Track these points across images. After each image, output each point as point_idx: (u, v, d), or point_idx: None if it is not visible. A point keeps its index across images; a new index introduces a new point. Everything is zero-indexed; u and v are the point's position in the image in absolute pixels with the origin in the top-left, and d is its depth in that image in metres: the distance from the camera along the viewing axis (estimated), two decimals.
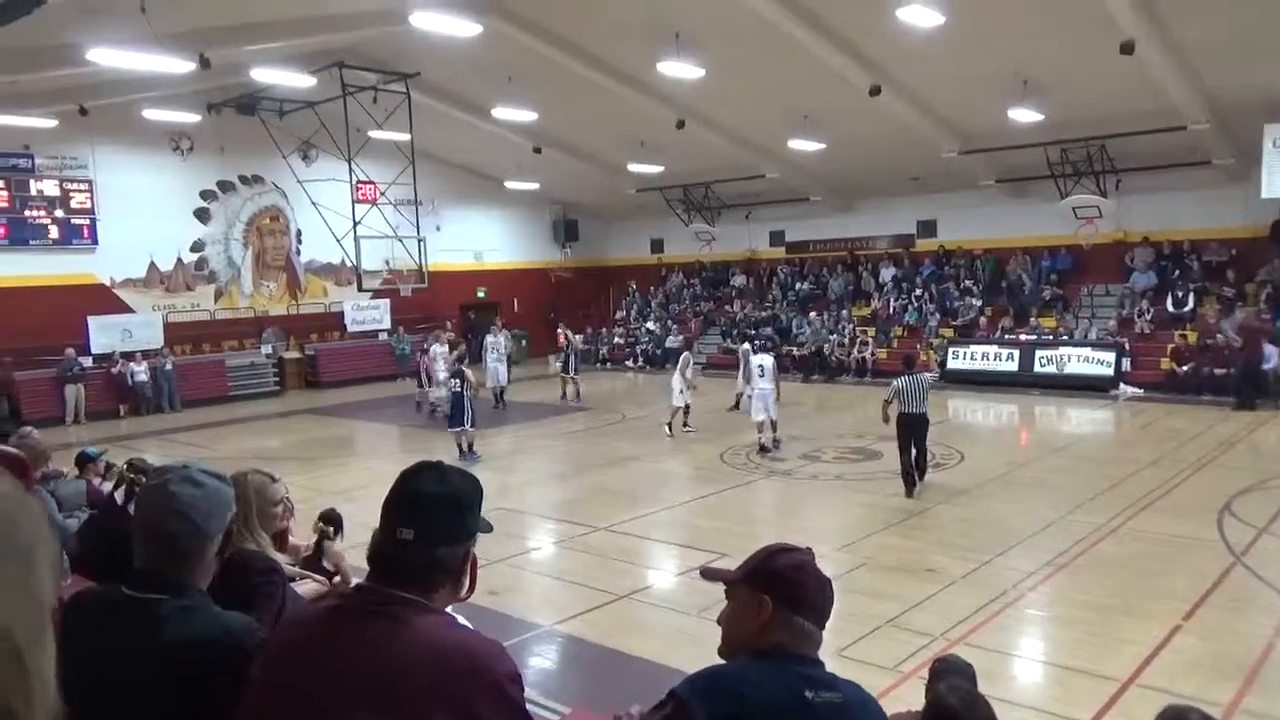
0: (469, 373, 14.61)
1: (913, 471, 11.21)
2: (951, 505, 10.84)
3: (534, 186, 29.02)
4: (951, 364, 21.30)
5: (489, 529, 1.92)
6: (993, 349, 21.03)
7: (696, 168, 25.34)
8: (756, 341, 22.92)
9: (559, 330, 22.50)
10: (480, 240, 29.84)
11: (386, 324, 26.58)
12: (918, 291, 24.31)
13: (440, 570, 1.80)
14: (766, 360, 14.96)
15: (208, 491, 1.92)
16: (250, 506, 3.06)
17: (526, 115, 21.23)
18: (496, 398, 19.29)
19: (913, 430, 11.28)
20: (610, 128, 23.06)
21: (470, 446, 14.42)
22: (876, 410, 11.91)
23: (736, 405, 16.26)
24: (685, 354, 16.64)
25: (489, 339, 20.17)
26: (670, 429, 15.41)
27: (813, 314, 25.14)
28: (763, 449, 14.02)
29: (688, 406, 15.94)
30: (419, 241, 22.92)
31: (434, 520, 1.80)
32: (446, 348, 18.35)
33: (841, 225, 27.19)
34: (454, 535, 1.81)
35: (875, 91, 17.52)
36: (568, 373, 20.85)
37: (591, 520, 10.61)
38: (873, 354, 22.86)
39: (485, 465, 13.85)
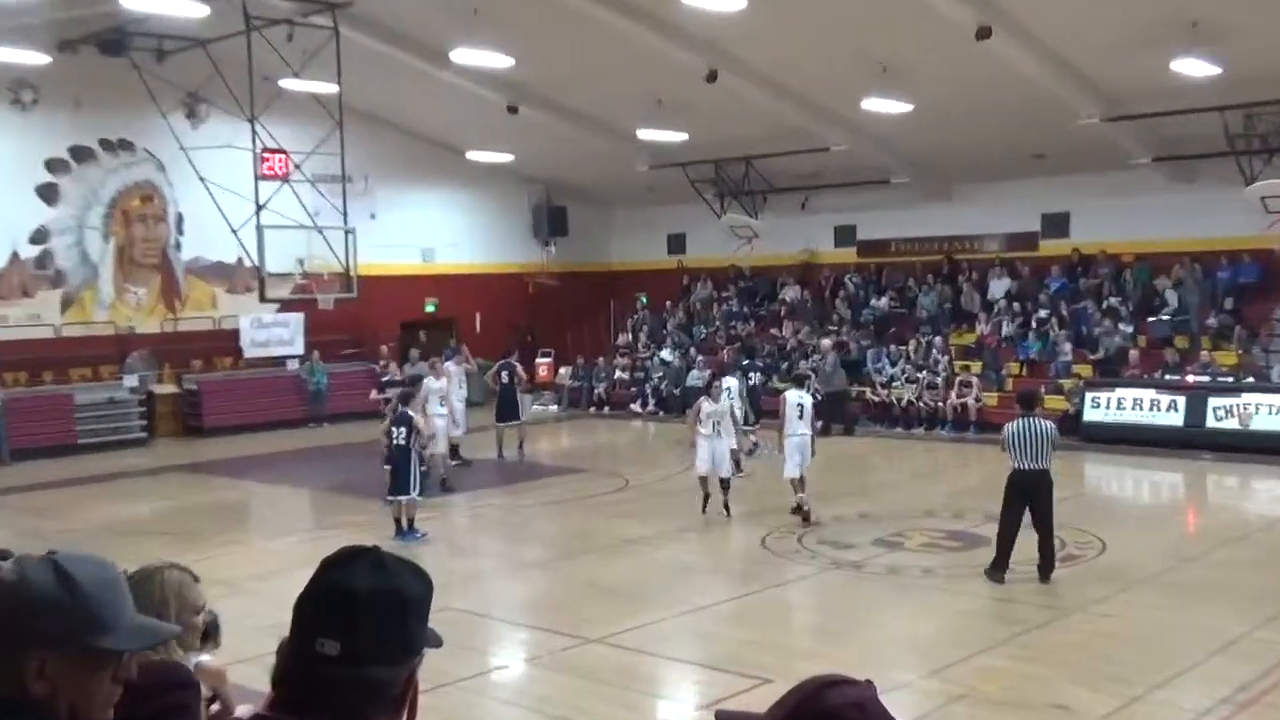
0: (419, 420, 14.70)
1: (1009, 551, 11.39)
2: (1088, 614, 10.74)
3: (507, 159, 29.22)
4: (1090, 414, 21.24)
5: (437, 643, 1.90)
6: (1148, 394, 20.99)
7: (733, 136, 25.50)
8: (754, 374, 23.05)
9: (541, 360, 22.58)
10: (430, 234, 30.03)
11: (299, 348, 26.69)
12: (1042, 313, 24.33)
13: (373, 698, 1.80)
14: (806, 399, 15.65)
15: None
16: (166, 612, 3.19)
17: (499, 60, 21.38)
18: (453, 453, 19.29)
19: (1030, 494, 11.35)
20: (615, 80, 23.24)
21: (411, 523, 14.47)
22: (980, 478, 11.88)
23: (738, 466, 16.66)
24: (805, 396, 16.03)
25: (449, 368, 20.07)
26: (728, 508, 15.34)
27: (893, 344, 25.16)
28: (804, 515, 14.75)
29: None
30: (346, 234, 23.07)
31: (368, 629, 1.80)
32: (443, 380, 18.58)
33: (935, 219, 27.27)
34: (394, 651, 1.81)
35: (984, 34, 17.61)
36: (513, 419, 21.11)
37: (579, 628, 10.56)
38: (978, 399, 22.84)
39: (430, 548, 13.81)
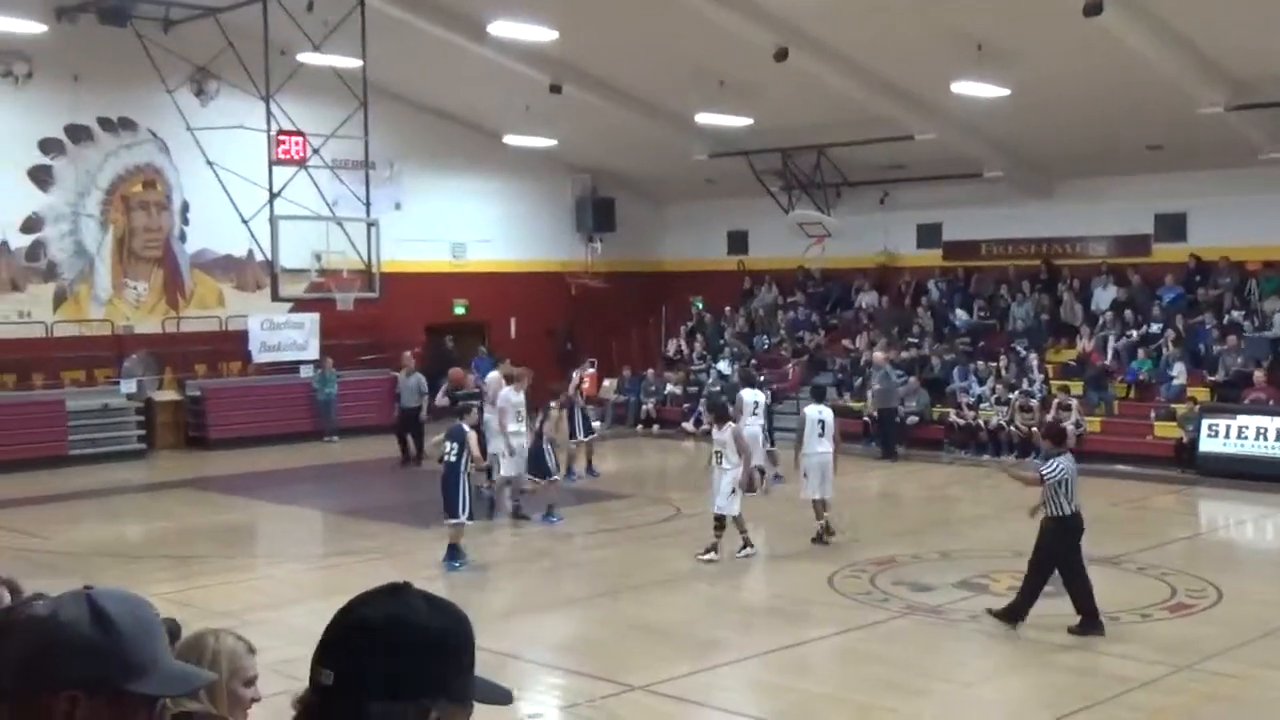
0: (473, 438, 14.88)
1: (1032, 602, 11.53)
2: (1199, 674, 10.64)
3: (549, 145, 29.40)
4: (1206, 444, 21.07)
5: (505, 699, 1.96)
6: (1273, 423, 20.76)
7: (804, 122, 25.54)
8: (766, 386, 23.22)
9: (582, 371, 22.62)
10: (462, 227, 30.28)
11: (313, 352, 26.98)
12: (1155, 327, 24.12)
13: None
14: (828, 414, 16.14)
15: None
16: (218, 680, 3.36)
17: (542, 34, 21.55)
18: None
19: (1076, 541, 11.61)
20: (671, 58, 23.35)
21: (452, 550, 14.68)
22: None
23: (752, 487, 16.90)
24: (826, 411, 16.53)
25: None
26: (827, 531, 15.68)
27: (981, 361, 25.06)
28: (820, 537, 15.38)
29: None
30: (369, 227, 23.29)
31: (363, 659, 1.87)
32: (512, 388, 18.14)
33: (1033, 218, 27.13)
34: (402, 686, 1.86)
35: (1094, 9, 17.53)
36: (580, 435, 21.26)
37: (621, 674, 10.61)
38: (1079, 424, 22.66)
39: (458, 580, 13.94)
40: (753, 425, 18.65)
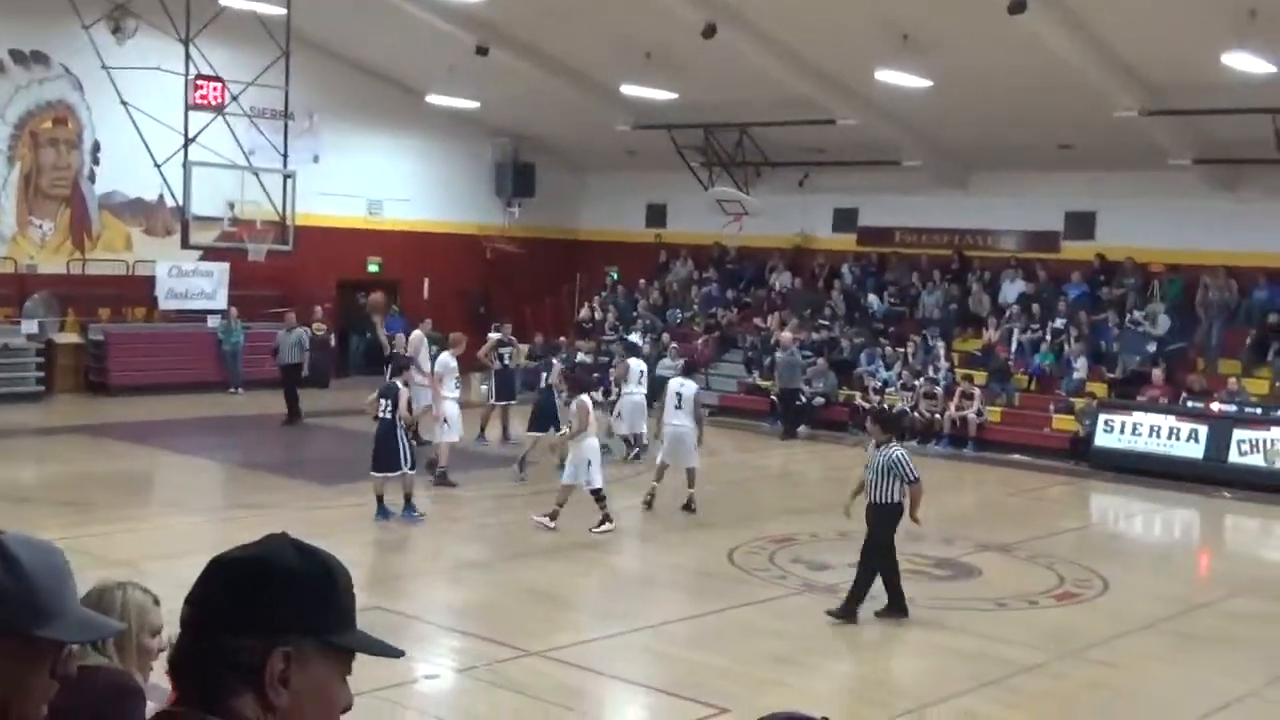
0: (404, 395, 14.99)
1: (897, 594, 11.64)
2: (1082, 661, 10.95)
3: (472, 106, 29.18)
4: (1102, 439, 21.57)
5: (393, 654, 1.99)
6: (1167, 421, 21.28)
7: (729, 100, 25.61)
8: (645, 349, 23.59)
9: (496, 332, 22.47)
10: (379, 185, 30.02)
11: (221, 302, 26.63)
12: (1058, 322, 24.61)
13: (225, 668, 1.88)
14: (687, 388, 16.60)
15: None
16: (128, 633, 3.48)
17: None
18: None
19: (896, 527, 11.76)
20: (600, 27, 23.30)
21: (409, 500, 14.98)
22: (975, 501, 12.10)
23: (632, 451, 17.63)
24: (687, 385, 16.91)
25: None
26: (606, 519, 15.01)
27: (889, 346, 25.41)
28: (689, 504, 15.94)
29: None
30: (285, 179, 22.98)
31: (222, 595, 1.91)
32: (449, 353, 18.07)
33: (948, 209, 27.52)
34: (254, 622, 1.89)
35: (1018, 7, 17.78)
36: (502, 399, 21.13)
37: (517, 638, 10.67)
38: (980, 413, 23.10)
39: (361, 545, 13.91)
40: (636, 394, 19.77)
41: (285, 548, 1.96)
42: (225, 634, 1.89)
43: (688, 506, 16.11)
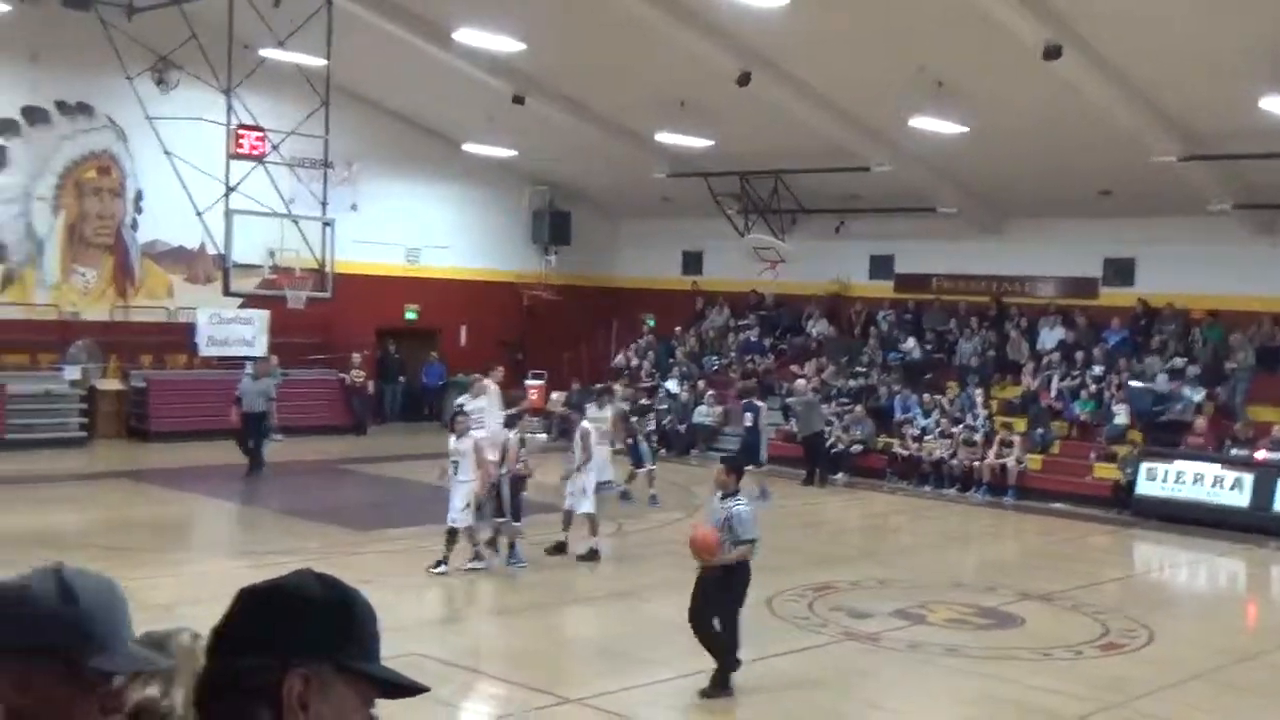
0: (513, 439, 15.25)
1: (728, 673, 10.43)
2: (1129, 712, 10.76)
3: (509, 155, 29.39)
4: (1144, 487, 21.30)
5: (417, 688, 1.95)
6: (1211, 469, 21.01)
7: (763, 148, 25.68)
8: (684, 396, 23.26)
9: (531, 383, 22.54)
10: (417, 233, 30.21)
11: (261, 349, 26.75)
12: (1097, 369, 24.42)
13: (243, 690, 1.87)
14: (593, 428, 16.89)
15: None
16: (184, 675, 3.37)
17: (507, 44, 21.54)
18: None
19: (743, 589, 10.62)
20: (635, 76, 23.42)
21: (512, 547, 15.18)
22: (1017, 549, 11.94)
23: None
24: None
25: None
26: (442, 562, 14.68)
27: (927, 393, 25.28)
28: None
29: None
30: (324, 226, 23.18)
31: (241, 619, 1.92)
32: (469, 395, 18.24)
33: (984, 256, 27.43)
34: (261, 641, 1.89)
35: (1054, 53, 17.76)
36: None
37: (556, 685, 10.60)
38: (1020, 461, 22.88)
39: (396, 592, 13.88)
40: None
41: (307, 576, 1.99)
42: (242, 656, 1.90)
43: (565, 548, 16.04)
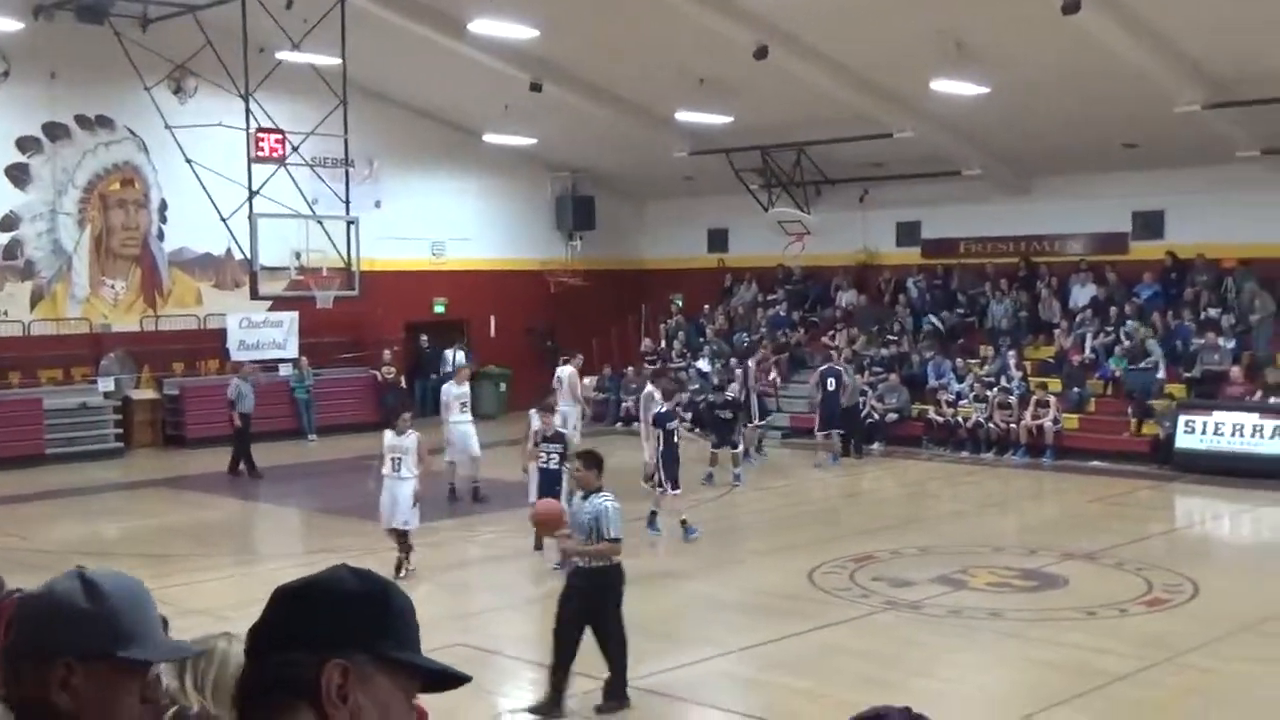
0: (571, 436, 15.39)
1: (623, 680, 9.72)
2: (1176, 665, 10.72)
3: (529, 143, 29.39)
4: (1183, 441, 21.17)
5: (460, 678, 1.95)
6: (1249, 419, 20.86)
7: (784, 121, 25.60)
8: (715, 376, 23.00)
9: (565, 365, 22.47)
10: (441, 226, 30.25)
11: (292, 351, 26.94)
12: (1130, 324, 24.23)
13: (282, 684, 1.88)
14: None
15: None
16: (224, 681, 3.35)
17: (523, 32, 21.54)
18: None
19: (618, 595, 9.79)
20: (651, 55, 23.37)
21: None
22: (1057, 510, 11.88)
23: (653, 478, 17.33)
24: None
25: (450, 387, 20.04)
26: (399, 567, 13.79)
27: (960, 358, 25.14)
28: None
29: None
30: (348, 225, 23.25)
31: (276, 615, 1.93)
32: (453, 382, 19.69)
33: (1012, 216, 27.24)
34: (298, 635, 1.89)
35: (1073, 7, 17.60)
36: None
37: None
38: (1056, 421, 22.75)
39: (433, 579, 13.94)
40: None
41: (342, 571, 1.99)
42: (280, 650, 1.90)
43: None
